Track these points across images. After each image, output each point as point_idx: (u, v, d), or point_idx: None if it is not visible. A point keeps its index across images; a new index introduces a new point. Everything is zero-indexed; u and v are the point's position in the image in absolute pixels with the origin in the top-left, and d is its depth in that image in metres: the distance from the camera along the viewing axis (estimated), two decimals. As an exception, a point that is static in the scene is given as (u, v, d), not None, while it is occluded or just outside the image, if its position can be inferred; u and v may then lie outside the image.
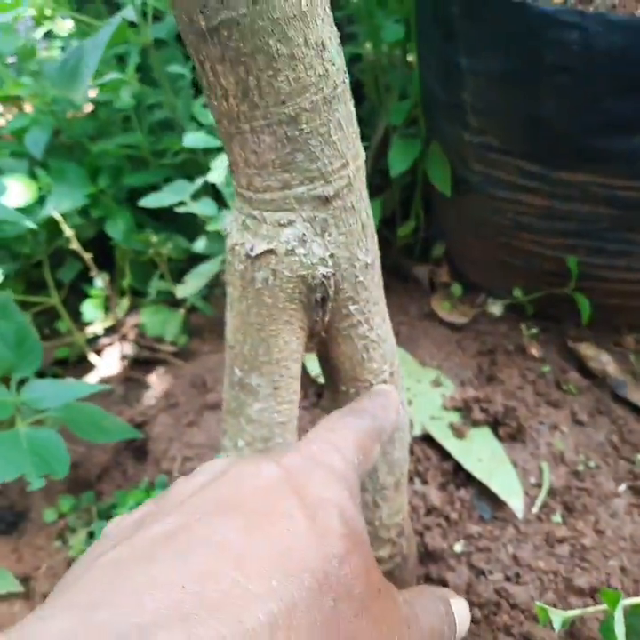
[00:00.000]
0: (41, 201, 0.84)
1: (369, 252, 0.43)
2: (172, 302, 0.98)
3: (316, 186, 0.37)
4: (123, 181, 0.92)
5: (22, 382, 0.64)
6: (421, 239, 1.07)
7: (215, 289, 0.95)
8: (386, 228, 1.06)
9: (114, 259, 1.00)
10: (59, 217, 0.77)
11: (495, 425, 0.73)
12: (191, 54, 0.35)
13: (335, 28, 0.35)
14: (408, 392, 0.78)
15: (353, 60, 1.06)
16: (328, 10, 0.34)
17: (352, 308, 0.44)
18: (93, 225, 0.94)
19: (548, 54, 0.64)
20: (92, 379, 0.94)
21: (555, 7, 0.63)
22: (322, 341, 0.46)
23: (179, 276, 1.01)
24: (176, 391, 0.84)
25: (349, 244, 0.41)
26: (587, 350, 0.82)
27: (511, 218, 0.82)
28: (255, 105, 0.34)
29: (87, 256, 0.83)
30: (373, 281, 0.45)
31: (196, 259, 1.01)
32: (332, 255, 0.40)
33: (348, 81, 0.37)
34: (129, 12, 0.82)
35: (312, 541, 0.25)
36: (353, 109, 0.38)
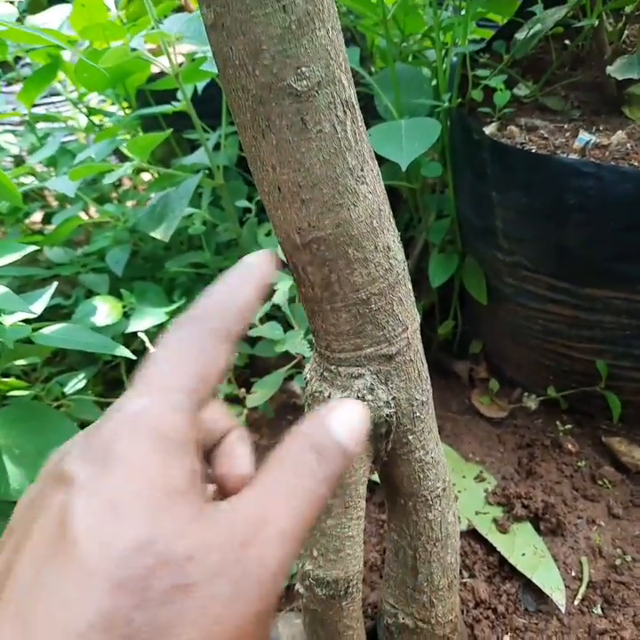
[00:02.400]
0: (124, 314, 0.95)
1: (424, 392, 0.51)
2: (233, 400, 1.07)
3: (381, 347, 0.46)
4: (194, 296, 1.02)
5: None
6: (459, 335, 1.14)
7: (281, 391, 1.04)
8: (426, 325, 1.14)
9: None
10: (144, 336, 0.87)
11: (536, 520, 0.78)
12: (286, 257, 0.44)
13: (397, 232, 0.44)
14: (454, 488, 0.84)
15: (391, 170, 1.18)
16: (392, 220, 0.44)
17: (410, 437, 0.51)
18: (163, 330, 1.04)
19: (569, 197, 0.72)
20: (163, 471, 1.02)
21: (574, 159, 0.72)
22: (384, 464, 0.53)
23: (238, 374, 1.11)
24: (243, 487, 0.91)
25: (408, 388, 0.49)
26: (619, 445, 0.87)
27: (542, 324, 0.90)
28: (335, 293, 0.43)
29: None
30: (428, 414, 0.52)
31: (253, 356, 1.11)
32: (394, 398, 0.48)
33: (406, 268, 0.46)
34: (202, 156, 0.95)
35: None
36: (410, 287, 0.47)
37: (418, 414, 0.51)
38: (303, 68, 0.35)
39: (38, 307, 0.68)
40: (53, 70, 1.21)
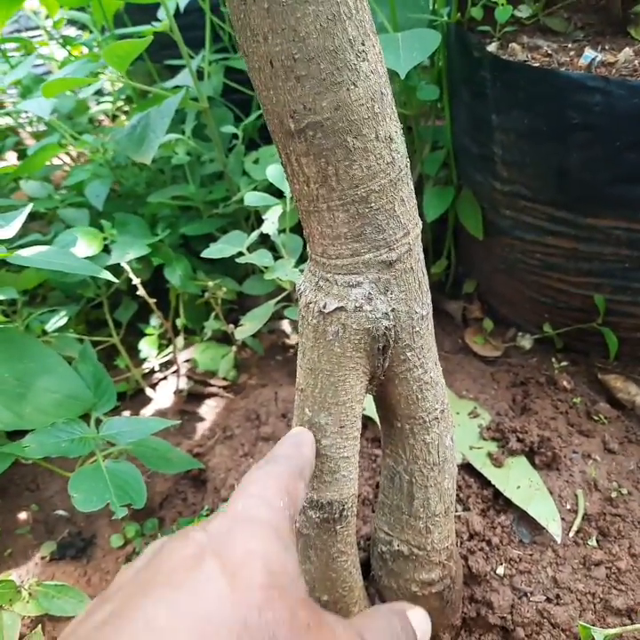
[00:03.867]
0: (105, 250, 0.91)
1: (424, 305, 0.48)
2: (222, 339, 1.04)
3: (381, 253, 0.43)
4: (179, 230, 0.99)
5: (98, 419, 0.69)
6: (452, 275, 1.11)
7: (262, 327, 1.01)
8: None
9: (167, 297, 1.07)
10: (127, 267, 0.83)
11: (531, 454, 0.77)
12: (278, 148, 0.40)
13: (399, 122, 0.41)
14: (447, 423, 0.82)
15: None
16: (394, 108, 0.40)
17: (409, 354, 0.48)
18: (149, 268, 1.01)
19: (574, 114, 0.69)
20: (148, 411, 0.99)
21: (581, 73, 0.68)
22: (381, 383, 0.51)
23: (226, 312, 1.07)
24: (231, 424, 0.89)
25: (408, 299, 0.46)
26: (615, 382, 0.85)
27: (539, 258, 0.87)
28: (332, 188, 0.40)
29: (151, 301, 0.89)
30: (428, 330, 0.50)
31: (242, 295, 1.07)
32: (393, 310, 0.45)
33: (409, 164, 0.42)
34: (186, 78, 0.89)
35: (231, 598, 0.27)
36: (412, 187, 0.43)
37: (417, 329, 0.48)
38: None
39: (12, 228, 0.64)
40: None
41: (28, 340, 0.66)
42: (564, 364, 0.91)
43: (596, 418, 0.82)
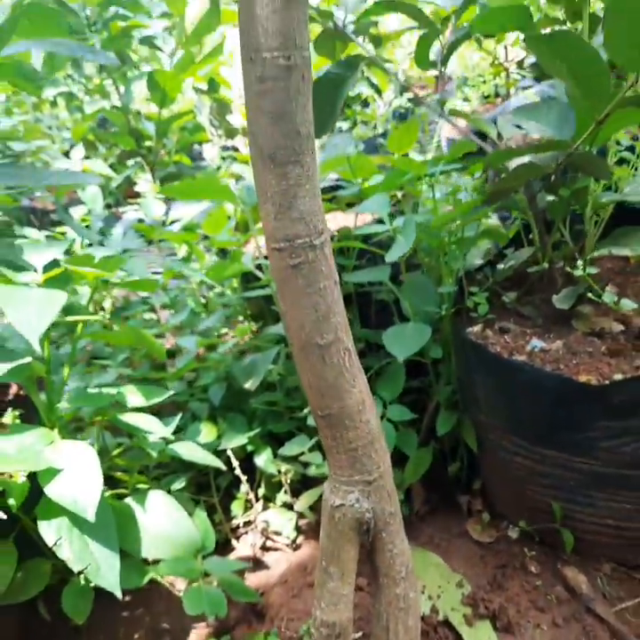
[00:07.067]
0: (218, 436, 1.30)
1: (393, 505, 0.80)
2: (289, 506, 1.37)
3: (364, 476, 0.77)
4: (267, 425, 1.38)
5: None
6: (465, 474, 1.41)
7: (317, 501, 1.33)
8: (440, 465, 1.41)
9: (254, 470, 1.43)
10: (230, 453, 1.22)
11: (494, 618, 1.02)
12: (316, 424, 0.77)
13: (376, 410, 0.77)
14: (438, 588, 1.08)
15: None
16: (374, 404, 0.77)
17: (383, 534, 0.80)
18: (245, 449, 1.39)
19: (517, 385, 1.03)
20: (231, 557, 1.32)
21: (520, 361, 1.04)
22: (368, 551, 0.82)
23: (295, 484, 1.41)
24: (287, 572, 1.19)
25: (381, 502, 0.78)
26: (569, 572, 1.09)
27: (513, 472, 1.16)
28: (339, 443, 0.75)
29: (243, 478, 1.25)
30: (396, 520, 0.82)
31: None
32: (372, 508, 0.78)
33: (380, 428, 0.78)
34: (280, 328, 1.34)
35: None
36: (383, 441, 0.79)
37: (388, 520, 0.80)
38: (324, 334, 0.70)
39: (170, 429, 1.05)
40: (188, 258, 1.66)
41: (170, 501, 1.02)
42: (534, 553, 1.16)
43: (549, 598, 1.06)
